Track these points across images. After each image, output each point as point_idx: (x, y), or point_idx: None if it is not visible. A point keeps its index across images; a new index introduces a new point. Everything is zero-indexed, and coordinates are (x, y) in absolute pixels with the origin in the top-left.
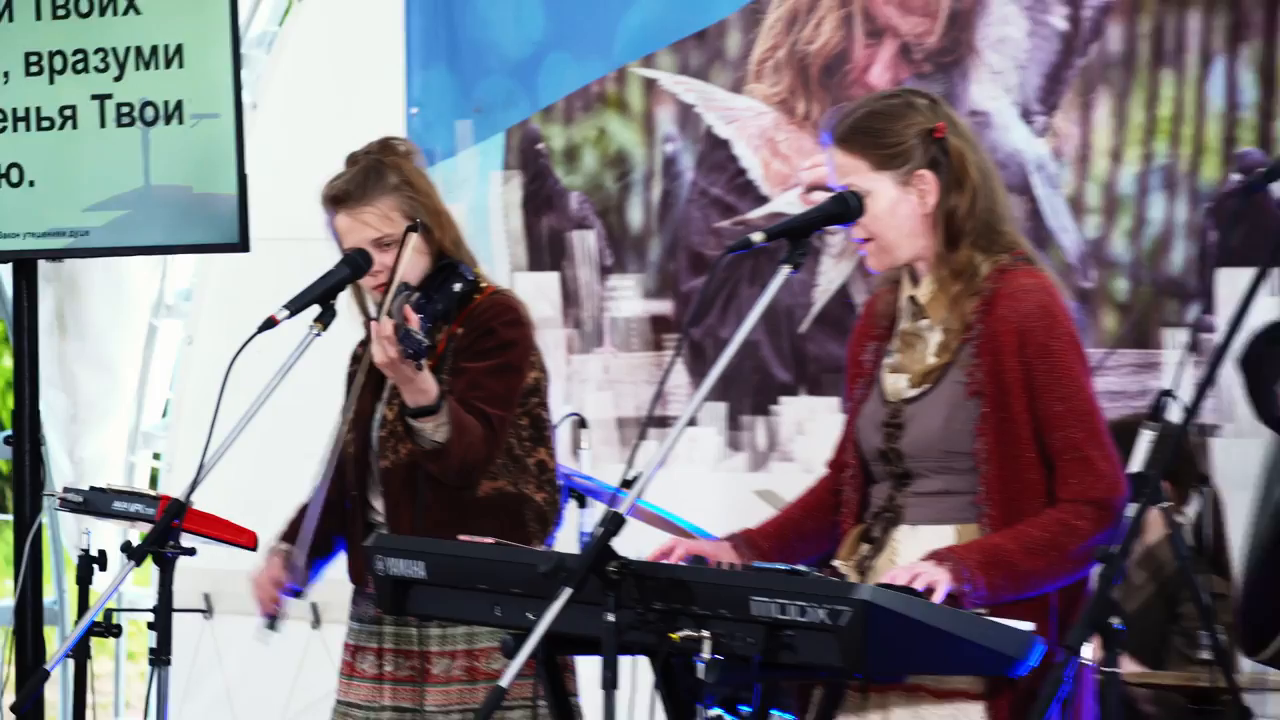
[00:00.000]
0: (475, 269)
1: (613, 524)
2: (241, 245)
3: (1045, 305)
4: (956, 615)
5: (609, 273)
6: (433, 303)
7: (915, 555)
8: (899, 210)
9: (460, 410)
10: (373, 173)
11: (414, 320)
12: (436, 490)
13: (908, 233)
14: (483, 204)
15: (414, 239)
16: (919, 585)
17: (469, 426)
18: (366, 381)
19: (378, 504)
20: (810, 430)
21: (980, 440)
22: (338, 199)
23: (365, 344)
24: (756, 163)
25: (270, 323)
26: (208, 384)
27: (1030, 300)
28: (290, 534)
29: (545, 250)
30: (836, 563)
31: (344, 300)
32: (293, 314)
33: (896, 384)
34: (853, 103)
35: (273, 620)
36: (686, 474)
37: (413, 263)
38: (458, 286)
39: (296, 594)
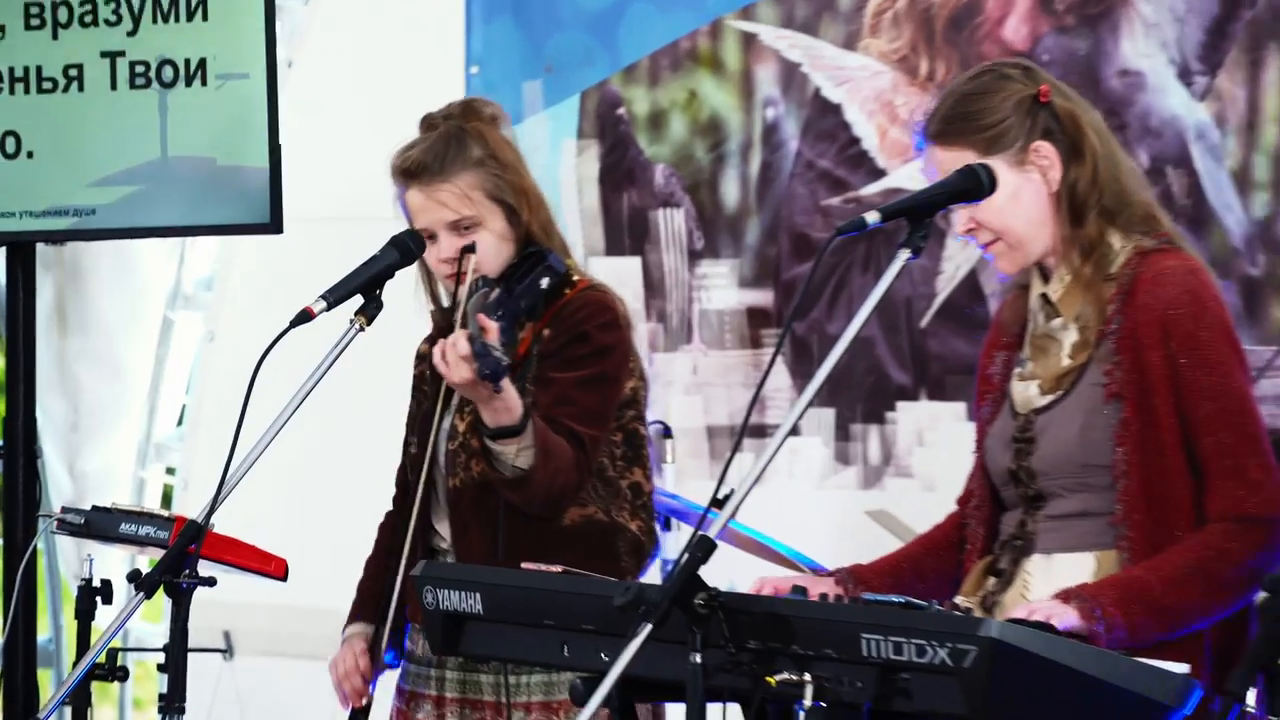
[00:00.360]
0: (567, 259)
1: (701, 550)
2: (273, 226)
3: (1193, 290)
4: (1100, 656)
5: (699, 258)
6: (515, 298)
7: (1049, 589)
8: (1021, 196)
9: (547, 430)
10: (453, 142)
11: (492, 332)
12: (514, 516)
13: (1037, 219)
14: (553, 178)
15: (473, 260)
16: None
17: (556, 449)
18: (431, 383)
19: (443, 528)
20: (932, 441)
21: (1120, 450)
22: (410, 172)
23: (432, 340)
24: (871, 130)
25: (305, 316)
26: (231, 387)
27: (1175, 285)
28: (366, 609)
29: (625, 232)
30: (959, 599)
31: (397, 288)
32: (331, 306)
33: (1027, 393)
34: (937, 97)
35: (363, 715)
36: (787, 492)
37: (495, 250)
38: (546, 282)
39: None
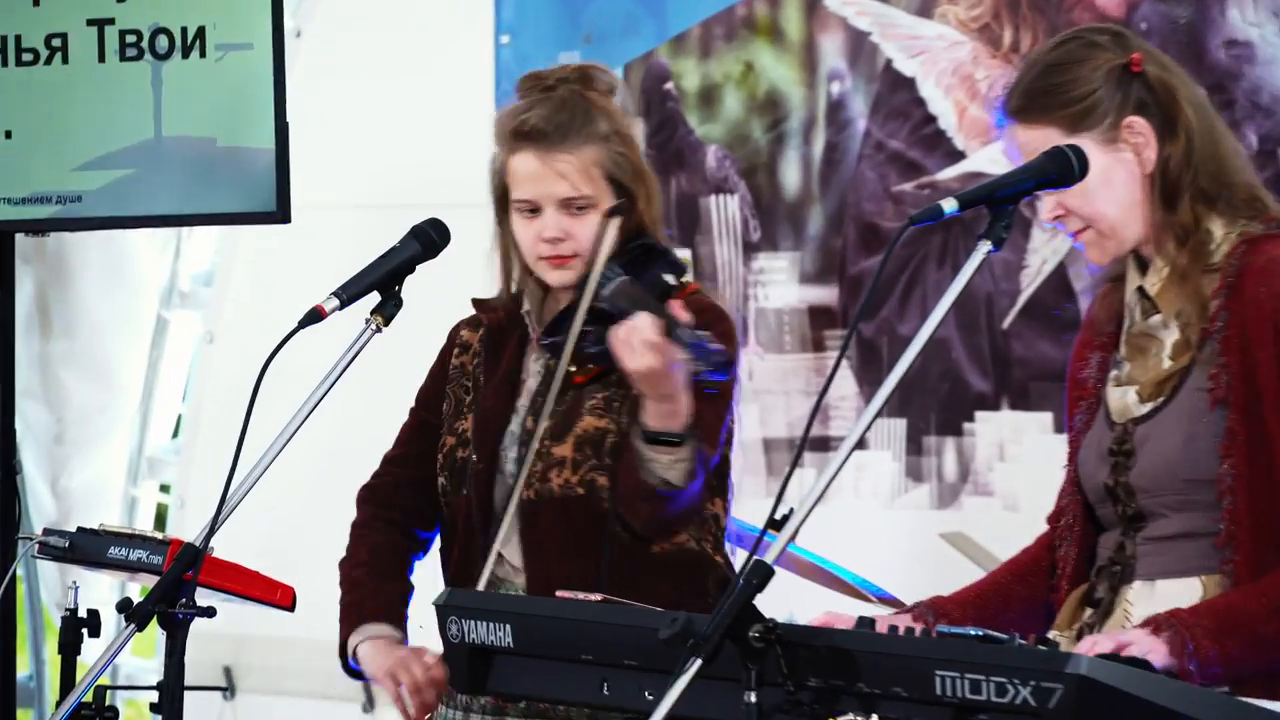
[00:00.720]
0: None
1: (756, 577)
2: (280, 215)
3: None
4: (1200, 696)
5: (756, 250)
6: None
7: None
8: (1114, 177)
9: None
10: (579, 112)
11: (684, 317)
12: (612, 540)
13: (1130, 203)
14: None
15: (615, 224)
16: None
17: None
18: (496, 380)
19: (509, 551)
20: (1014, 455)
21: (1226, 463)
22: (530, 135)
23: (475, 326)
24: (949, 107)
25: (316, 315)
26: (232, 395)
27: None
28: (390, 611)
29: (673, 221)
30: (1053, 633)
31: (420, 283)
32: (345, 304)
33: (1124, 400)
34: (1016, 69)
35: None
36: (853, 512)
37: (594, 231)
38: (671, 279)
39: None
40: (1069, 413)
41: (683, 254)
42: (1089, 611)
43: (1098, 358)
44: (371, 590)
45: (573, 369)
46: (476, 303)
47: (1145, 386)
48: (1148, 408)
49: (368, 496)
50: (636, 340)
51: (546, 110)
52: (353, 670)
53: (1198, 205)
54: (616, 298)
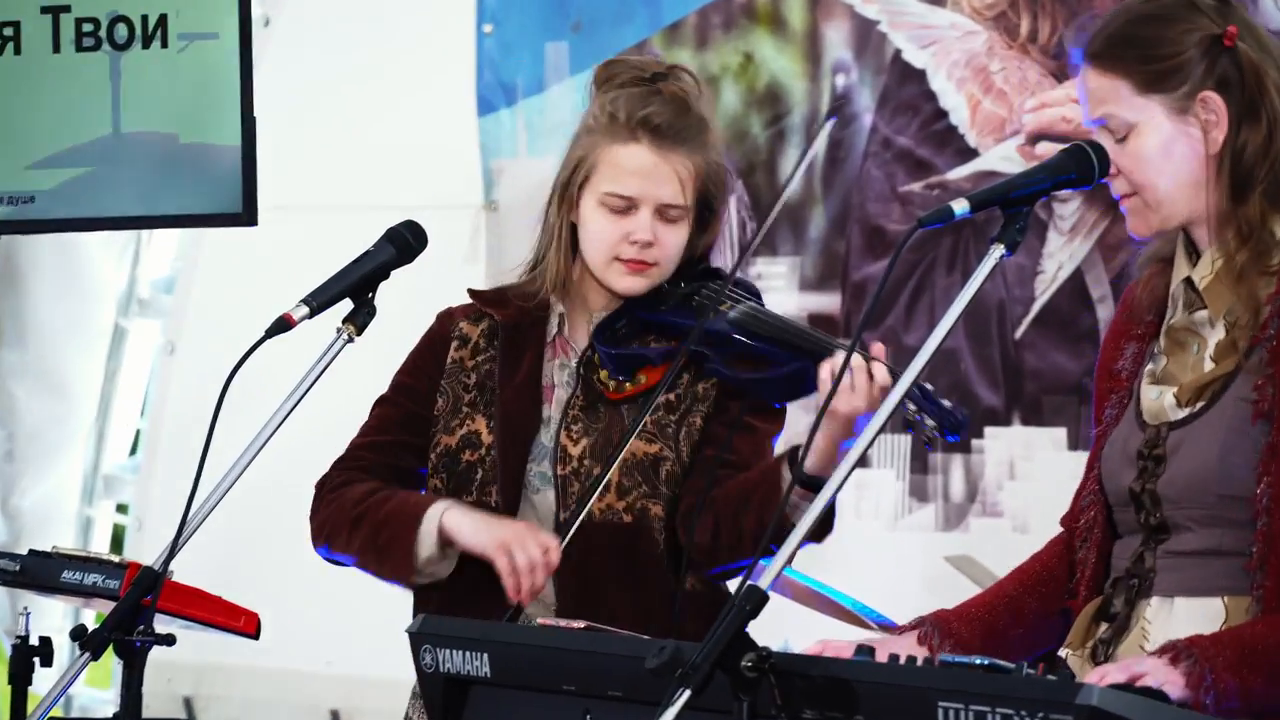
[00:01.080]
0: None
1: (749, 602)
2: (246, 217)
3: None
4: None
5: (754, 254)
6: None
7: (1172, 639)
8: (1175, 149)
9: None
10: (700, 118)
11: (880, 351)
12: (649, 575)
13: (1186, 181)
14: None
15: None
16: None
17: None
18: (516, 384)
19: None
20: (1025, 474)
21: (1264, 480)
22: (656, 129)
23: (476, 320)
24: (961, 102)
25: (284, 324)
26: (194, 409)
27: None
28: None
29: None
30: (1064, 652)
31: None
32: (315, 312)
33: (1160, 401)
34: (1115, 9)
35: (516, 614)
36: (854, 534)
37: (677, 254)
38: (735, 314)
39: None
40: (1097, 405)
41: None
42: (1104, 627)
43: (1133, 349)
44: (405, 496)
45: (610, 382)
46: (477, 294)
47: (1185, 390)
48: (1184, 413)
49: (333, 473)
50: (863, 382)
51: (669, 108)
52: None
53: (1265, 203)
54: (752, 324)
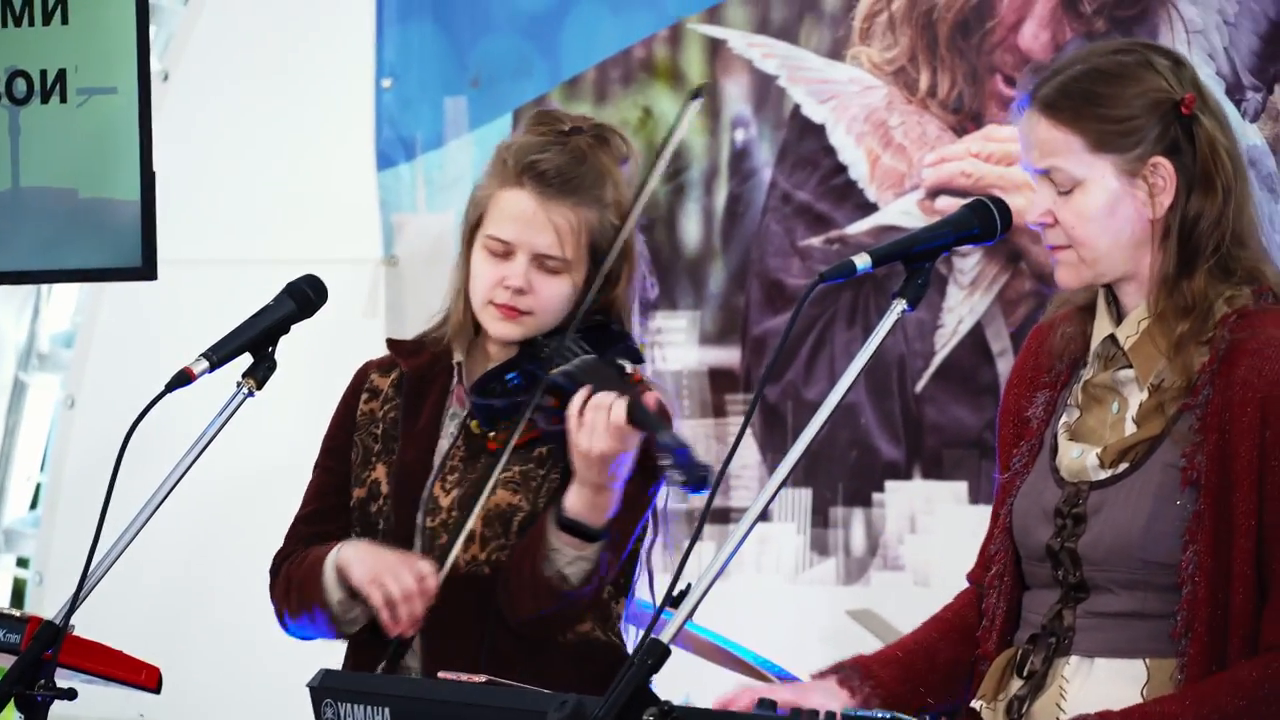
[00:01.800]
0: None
1: (652, 656)
2: (146, 271)
3: None
4: None
5: (653, 309)
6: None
7: (1090, 699)
8: (1119, 210)
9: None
10: (591, 170)
11: (651, 400)
12: (505, 624)
13: (1126, 241)
14: None
15: (695, 106)
16: None
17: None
18: (415, 433)
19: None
20: (926, 527)
21: (1190, 549)
22: (539, 175)
23: (388, 371)
24: (861, 156)
25: (184, 378)
26: (95, 463)
27: None
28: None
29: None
30: (977, 703)
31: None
32: (215, 366)
33: (1081, 461)
34: (1065, 57)
35: (405, 647)
36: (755, 588)
37: (560, 306)
38: (629, 367)
39: None
40: (1002, 450)
41: None
42: (1019, 683)
43: (1044, 397)
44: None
45: (490, 433)
46: (393, 344)
47: (1109, 450)
48: (1106, 474)
49: (278, 557)
50: (601, 421)
51: (562, 157)
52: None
53: (1212, 278)
54: (584, 374)
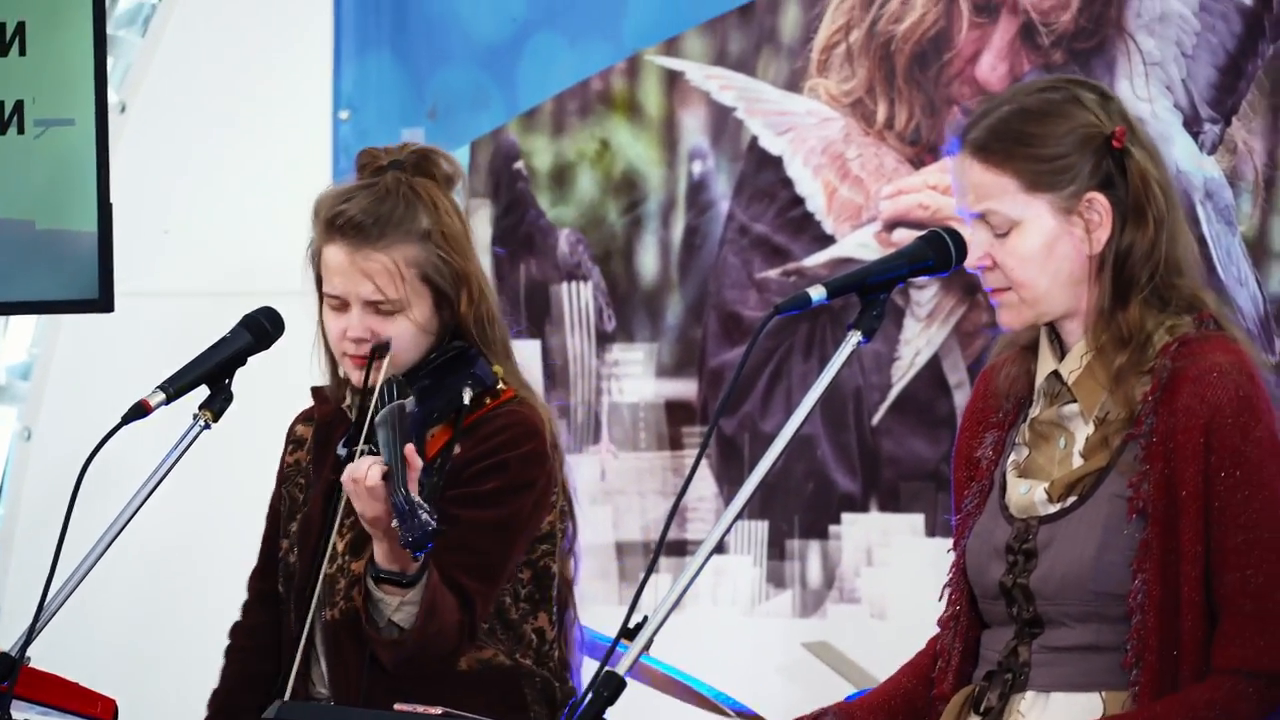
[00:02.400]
0: (505, 360)
1: (607, 689)
2: (103, 303)
3: (1246, 396)
4: None
5: (610, 341)
6: (428, 401)
7: None
8: (1058, 248)
9: (438, 585)
10: (400, 204)
11: (416, 470)
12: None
13: (1066, 280)
14: None
15: (385, 366)
16: None
17: (441, 609)
18: (321, 480)
19: (316, 673)
20: (883, 560)
21: (1139, 578)
22: (342, 228)
23: (309, 420)
24: (818, 188)
25: (140, 410)
26: (51, 495)
27: (1226, 388)
28: None
29: (522, 309)
30: None
31: (253, 374)
32: (171, 399)
33: (1029, 497)
34: (992, 99)
35: None
36: (711, 620)
37: (412, 342)
38: (469, 395)
39: None
40: (956, 493)
41: (530, 345)
42: (975, 719)
43: (993, 437)
44: None
45: None
46: (314, 392)
47: (1056, 485)
48: (1055, 508)
49: (235, 625)
50: (360, 489)
51: (365, 201)
52: None
53: (1147, 308)
54: (380, 425)
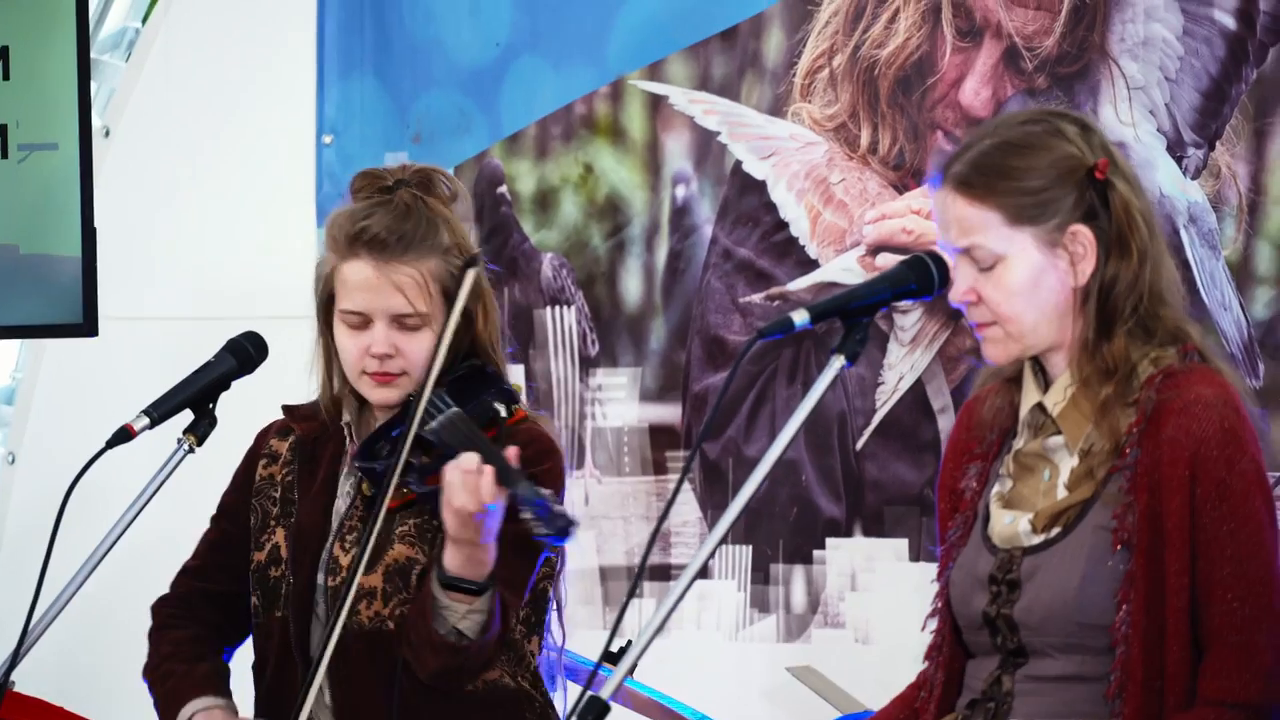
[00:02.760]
0: (512, 384)
1: (591, 713)
2: (87, 328)
3: (1231, 428)
4: None
5: (594, 366)
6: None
7: None
8: (1043, 281)
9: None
10: (422, 220)
11: (513, 456)
12: (412, 676)
13: (1052, 313)
14: None
15: (471, 274)
16: None
17: (495, 613)
18: (311, 495)
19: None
20: (867, 585)
21: (1124, 609)
22: (370, 242)
23: (285, 435)
24: (801, 213)
25: (125, 435)
26: (35, 519)
27: (1211, 420)
28: (213, 684)
29: (506, 333)
30: None
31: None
32: (156, 423)
33: (1014, 528)
34: (974, 131)
35: None
36: (695, 644)
37: (426, 351)
38: (502, 408)
39: None
40: (941, 525)
41: (514, 370)
42: None
43: (977, 468)
44: (185, 672)
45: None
46: (288, 410)
47: (1040, 515)
48: (1039, 539)
49: (160, 607)
50: (470, 481)
51: (388, 217)
52: None
53: (1131, 340)
54: (446, 433)
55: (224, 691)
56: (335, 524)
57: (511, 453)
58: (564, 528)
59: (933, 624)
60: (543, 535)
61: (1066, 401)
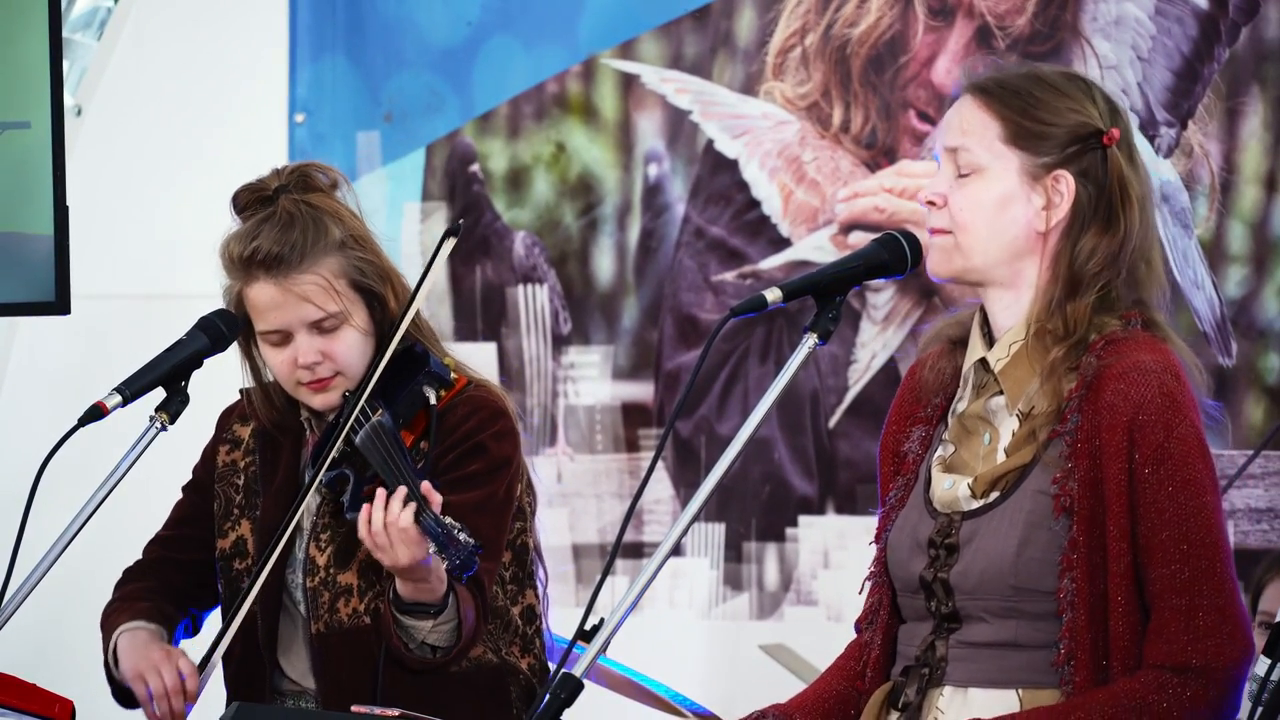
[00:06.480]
0: (444, 357)
1: (564, 690)
2: (59, 306)
3: (1170, 393)
4: None
5: (566, 344)
6: (392, 406)
7: None
8: (1010, 208)
9: (459, 591)
10: (309, 224)
11: (436, 502)
12: (394, 661)
13: (1005, 243)
14: (394, 248)
15: (449, 244)
16: None
17: (464, 613)
18: (274, 489)
19: (292, 668)
20: (839, 563)
21: (1068, 576)
22: (264, 262)
23: (246, 420)
24: (774, 191)
25: (97, 413)
26: (8, 497)
27: (1150, 385)
28: (154, 613)
29: (478, 312)
30: None
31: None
32: (128, 401)
33: (953, 492)
34: (1020, 62)
35: None
36: (668, 622)
37: (360, 349)
38: (433, 395)
39: None
40: (882, 488)
41: (486, 348)
42: (896, 715)
43: (920, 432)
44: (124, 608)
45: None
46: (246, 394)
47: (980, 479)
48: (978, 503)
49: (128, 570)
50: (393, 533)
51: (275, 231)
52: (121, 691)
53: (1093, 312)
54: (366, 447)
55: (157, 620)
56: (308, 523)
57: (427, 488)
58: (465, 561)
59: (868, 585)
60: (450, 567)
61: (1009, 358)
